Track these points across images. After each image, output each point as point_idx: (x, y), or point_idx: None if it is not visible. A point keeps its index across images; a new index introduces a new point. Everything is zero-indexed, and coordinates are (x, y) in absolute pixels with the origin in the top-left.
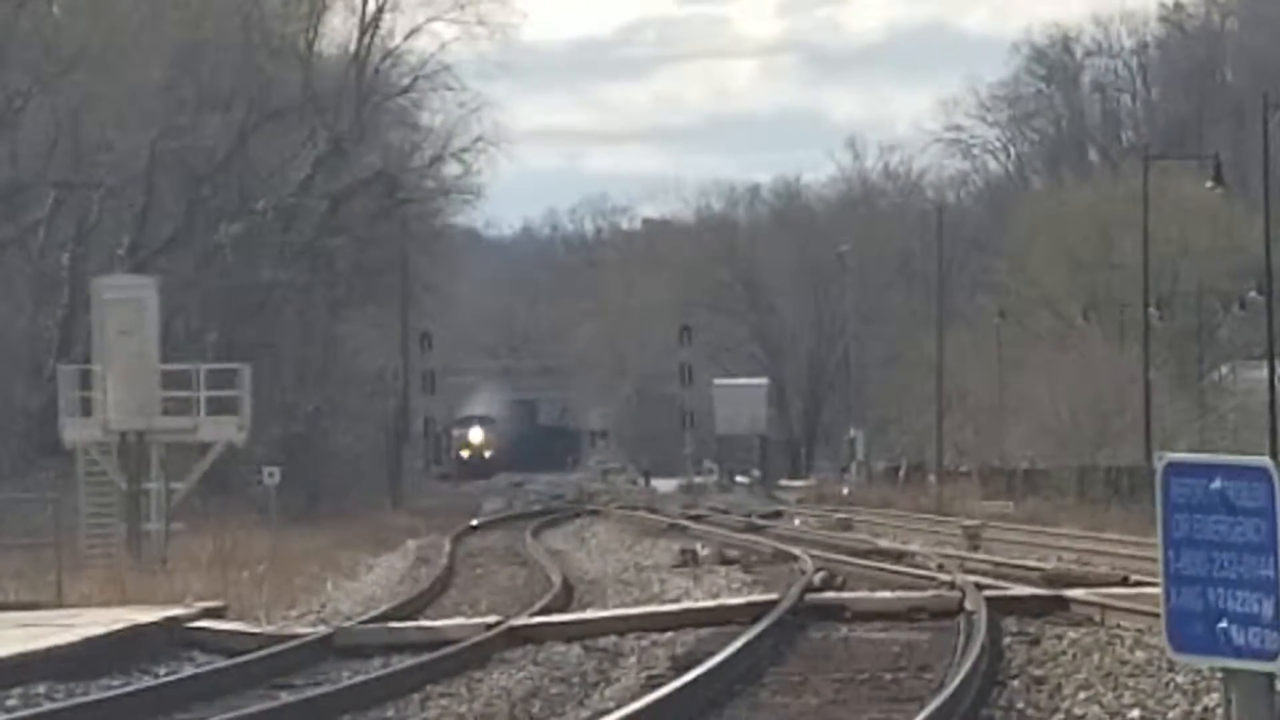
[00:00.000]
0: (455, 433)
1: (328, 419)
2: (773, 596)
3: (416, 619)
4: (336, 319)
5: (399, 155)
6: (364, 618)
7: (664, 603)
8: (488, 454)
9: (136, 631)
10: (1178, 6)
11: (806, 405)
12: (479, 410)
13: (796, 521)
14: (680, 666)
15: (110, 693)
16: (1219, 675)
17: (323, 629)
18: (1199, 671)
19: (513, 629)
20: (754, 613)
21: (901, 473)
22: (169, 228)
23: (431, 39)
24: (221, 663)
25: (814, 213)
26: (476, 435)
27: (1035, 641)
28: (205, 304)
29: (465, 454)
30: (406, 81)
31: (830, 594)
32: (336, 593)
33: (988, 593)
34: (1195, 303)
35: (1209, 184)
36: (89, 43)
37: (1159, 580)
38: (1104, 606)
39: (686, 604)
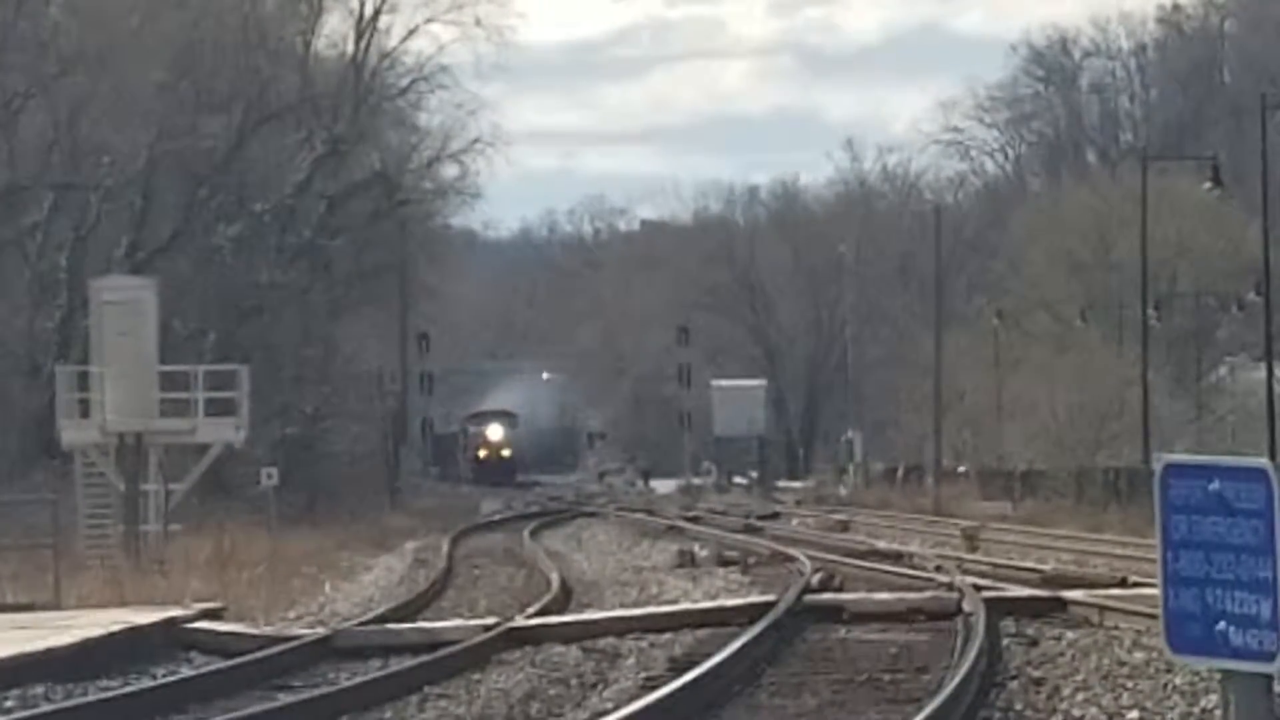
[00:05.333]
0: (471, 430)
1: (326, 420)
2: (771, 598)
3: (415, 620)
4: (335, 320)
5: (397, 156)
6: (362, 619)
7: (662, 604)
8: (507, 453)
9: (134, 633)
10: (1176, 8)
11: (804, 406)
12: (495, 405)
13: (794, 522)
14: (679, 668)
15: (108, 694)
16: (1217, 676)
17: (321, 630)
18: (1197, 673)
19: (511, 630)
20: (752, 614)
21: (899, 474)
22: (167, 229)
23: (429, 40)
24: (220, 664)
25: (812, 214)
26: (495, 433)
27: (1033, 643)
28: (204, 305)
29: (482, 454)
30: (404, 83)
31: (828, 595)
32: (335, 594)
33: (986, 594)
34: (1193, 304)
35: (1207, 185)
36: (87, 44)
37: (1157, 581)
38: (1102, 608)
39: (685, 605)
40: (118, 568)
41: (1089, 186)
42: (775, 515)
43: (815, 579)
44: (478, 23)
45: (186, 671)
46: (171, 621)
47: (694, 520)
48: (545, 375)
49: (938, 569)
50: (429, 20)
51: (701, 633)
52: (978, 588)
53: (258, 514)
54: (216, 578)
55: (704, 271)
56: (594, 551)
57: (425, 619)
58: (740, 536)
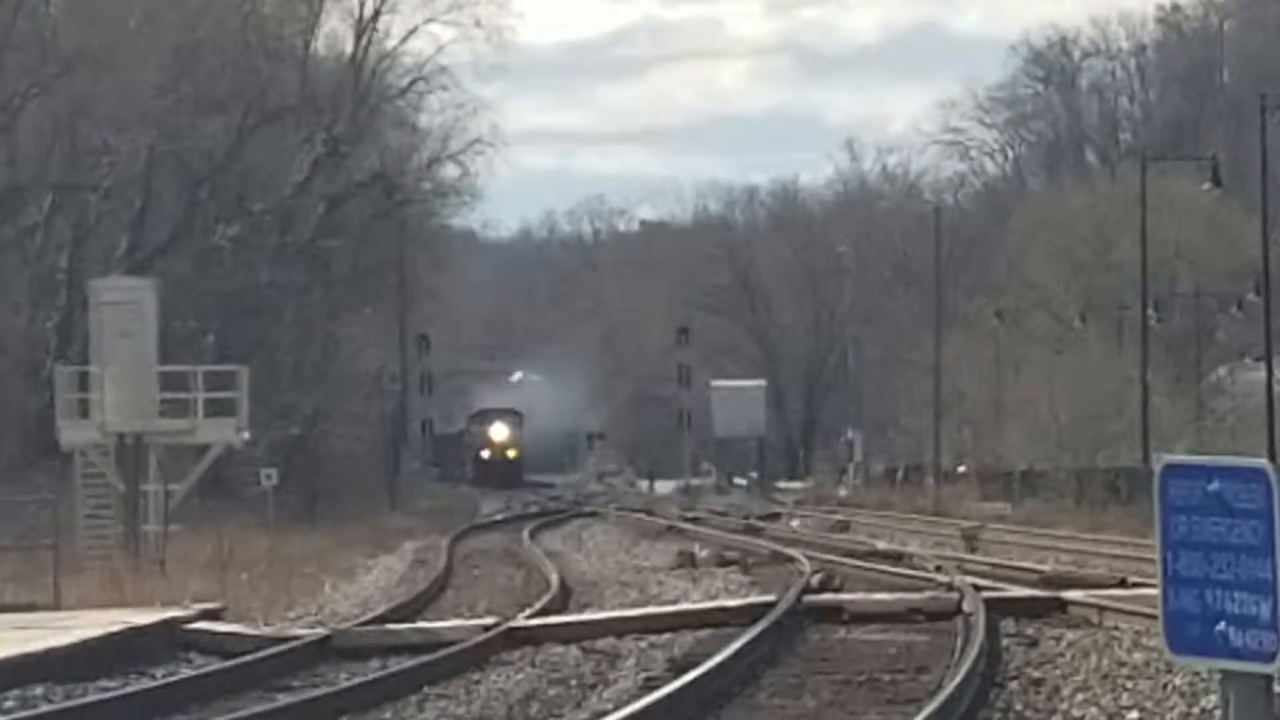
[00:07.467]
0: (474, 429)
1: (325, 421)
2: (771, 598)
3: (414, 620)
4: (334, 320)
5: (396, 157)
6: (362, 619)
7: (662, 604)
8: (513, 454)
9: (134, 633)
10: (1175, 8)
11: (804, 407)
12: (500, 402)
13: (794, 523)
14: (678, 668)
15: (108, 694)
16: (1217, 676)
17: (320, 630)
18: (1197, 673)
19: (510, 631)
20: (752, 614)
21: (899, 474)
22: (167, 229)
23: (429, 41)
24: (219, 664)
25: (812, 214)
26: (499, 432)
27: (1033, 643)
28: (203, 305)
29: (486, 454)
30: (404, 83)
31: (828, 596)
32: (334, 594)
33: (986, 594)
34: (1193, 304)
35: (1206, 185)
36: (86, 44)
37: (1157, 582)
38: (1102, 608)
39: (684, 606)
40: (118, 568)
41: (1089, 187)
42: (775, 516)
43: (815, 579)
44: (477, 23)
45: (186, 671)
46: (171, 622)
47: (694, 521)
48: (516, 376)
49: (937, 569)
50: (428, 20)
51: (701, 633)
52: (977, 588)
53: (258, 514)
54: (216, 578)
55: (704, 272)
56: (594, 552)
57: (425, 619)
58: (740, 537)
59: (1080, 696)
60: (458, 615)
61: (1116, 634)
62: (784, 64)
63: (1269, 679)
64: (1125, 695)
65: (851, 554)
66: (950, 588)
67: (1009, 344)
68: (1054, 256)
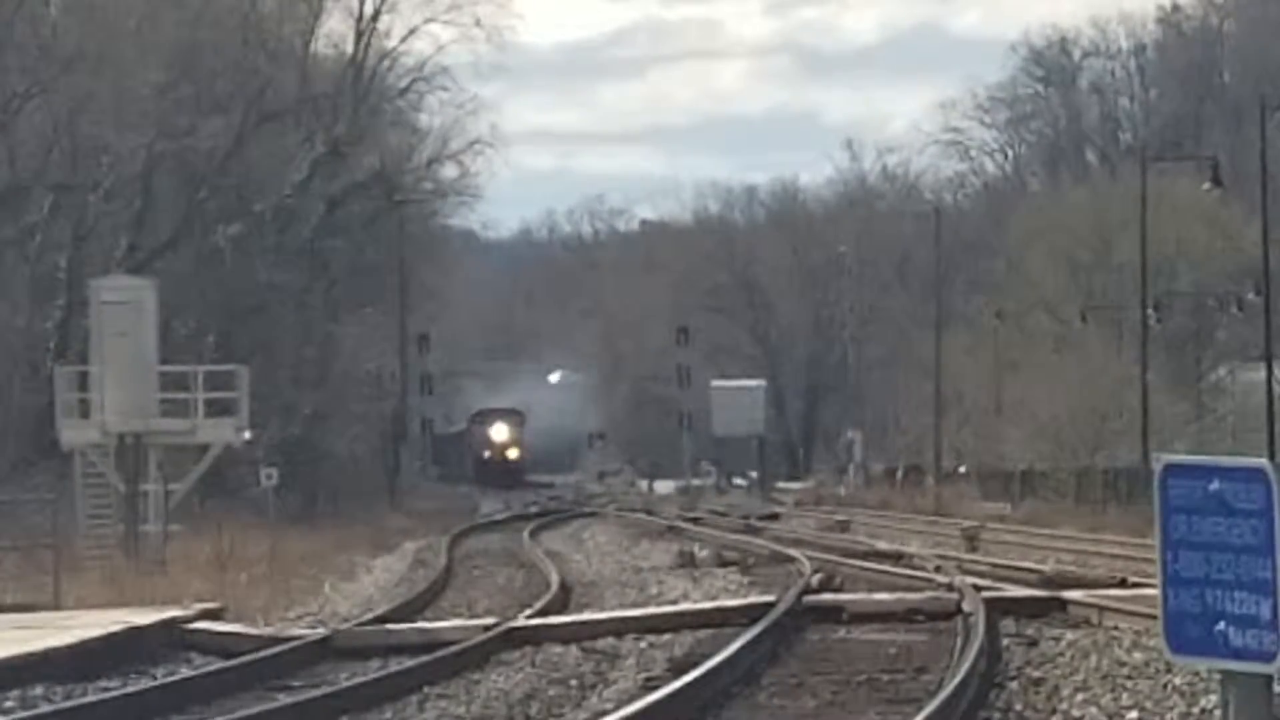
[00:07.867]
0: (475, 429)
1: (326, 420)
2: (770, 598)
3: (414, 620)
4: (334, 320)
5: (396, 157)
6: (362, 619)
7: (662, 604)
8: (514, 454)
9: (134, 633)
10: (1175, 8)
11: (804, 407)
12: (502, 401)
13: (794, 523)
14: (678, 668)
15: (108, 694)
16: (1217, 677)
17: (321, 630)
18: (1197, 673)
19: (510, 630)
20: (752, 614)
21: (899, 474)
22: (167, 229)
23: (429, 41)
24: (219, 664)
25: (811, 214)
26: (500, 433)
27: (1033, 643)
28: (203, 305)
29: (486, 454)
30: (404, 83)
31: (828, 596)
32: (334, 594)
33: (985, 594)
34: (1193, 304)
35: (1206, 185)
36: (86, 44)
37: (1157, 582)
38: (1102, 608)
39: (684, 606)
40: (118, 568)
41: (1089, 186)
42: (775, 516)
43: (815, 579)
44: (477, 23)
45: (186, 671)
46: (171, 621)
47: (693, 521)
48: (555, 376)
49: (937, 569)
50: (428, 21)
51: (701, 633)
52: (977, 588)
53: (258, 514)
54: (216, 578)
55: (704, 272)
56: (594, 552)
57: (425, 619)
58: (740, 537)
59: (1080, 696)
60: (458, 615)
61: (1116, 634)
62: (784, 64)
63: (1269, 679)
64: (1125, 695)
65: (851, 554)
66: (950, 588)
67: (1009, 344)
68: (1054, 256)
